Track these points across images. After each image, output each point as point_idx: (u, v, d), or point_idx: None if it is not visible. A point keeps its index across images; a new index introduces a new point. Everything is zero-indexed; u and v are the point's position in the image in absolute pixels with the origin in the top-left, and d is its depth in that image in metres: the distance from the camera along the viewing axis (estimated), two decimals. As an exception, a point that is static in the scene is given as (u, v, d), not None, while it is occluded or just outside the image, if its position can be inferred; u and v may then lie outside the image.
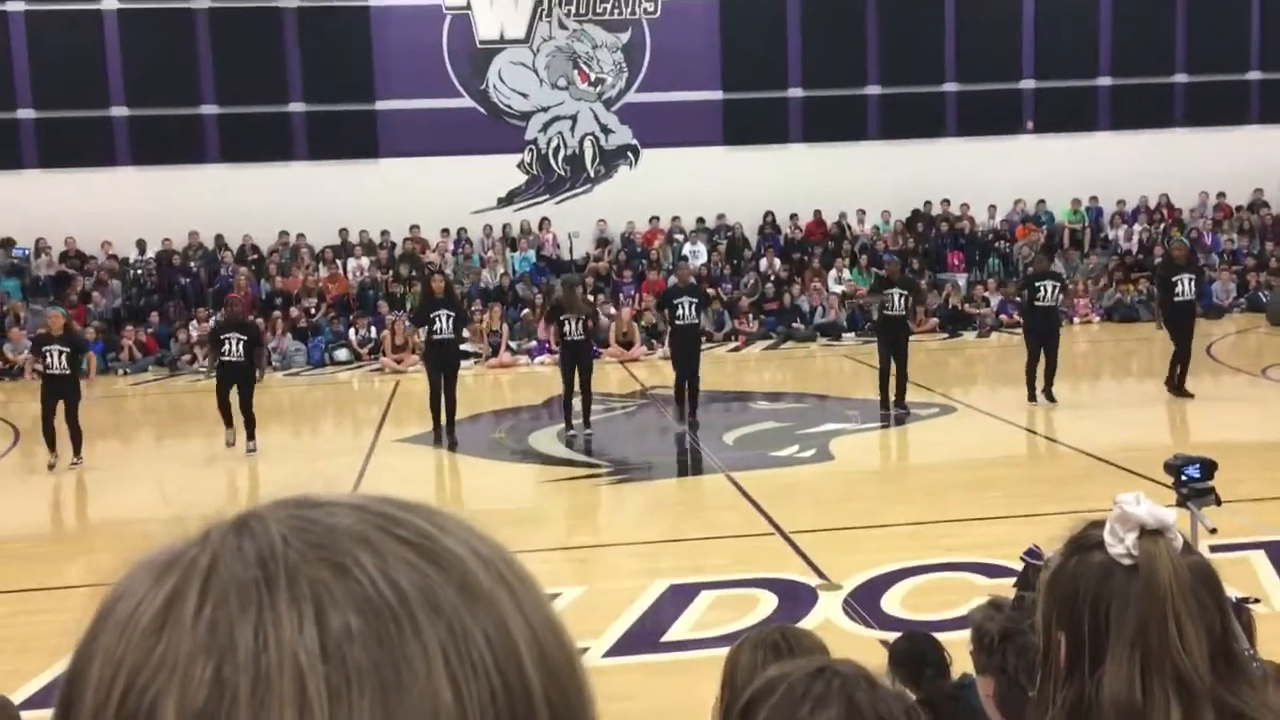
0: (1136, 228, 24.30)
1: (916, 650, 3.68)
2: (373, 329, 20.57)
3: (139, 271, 22.29)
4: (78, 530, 10.99)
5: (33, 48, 22.24)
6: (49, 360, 12.10)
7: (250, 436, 12.70)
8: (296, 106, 23.14)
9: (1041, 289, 13.47)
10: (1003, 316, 21.37)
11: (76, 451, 12.26)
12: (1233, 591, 3.52)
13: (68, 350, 12.17)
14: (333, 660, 0.50)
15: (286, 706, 0.49)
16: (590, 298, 19.50)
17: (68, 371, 12.07)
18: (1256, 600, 4.03)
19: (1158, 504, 1.49)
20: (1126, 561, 1.44)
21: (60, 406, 12.10)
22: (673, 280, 14.46)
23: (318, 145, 22.96)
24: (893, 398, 13.39)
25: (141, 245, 22.50)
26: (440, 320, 12.70)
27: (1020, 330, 15.09)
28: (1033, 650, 2.40)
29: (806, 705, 1.21)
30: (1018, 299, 17.26)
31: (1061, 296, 13.93)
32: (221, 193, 22.47)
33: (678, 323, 13.27)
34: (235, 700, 0.50)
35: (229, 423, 12.65)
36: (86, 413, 12.46)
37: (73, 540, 10.48)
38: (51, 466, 12.16)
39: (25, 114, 22.41)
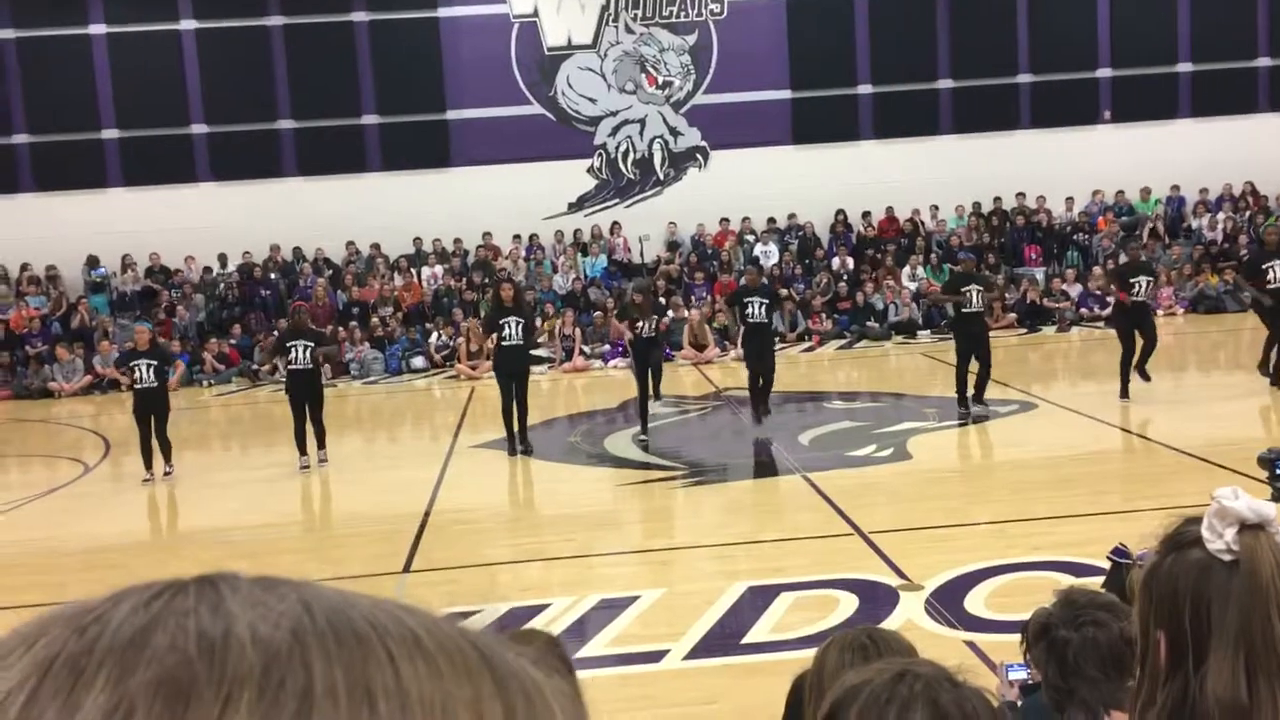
0: (1220, 216, 23.68)
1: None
2: (453, 336, 20.79)
3: (221, 285, 22.78)
4: (169, 539, 11.25)
5: (115, 69, 22.86)
6: (138, 374, 12.38)
7: (321, 446, 12.73)
8: (370, 119, 23.49)
9: (1135, 285, 13.15)
10: (1083, 310, 20.94)
11: (167, 461, 12.59)
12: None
13: (155, 364, 12.46)
14: None
15: None
16: (662, 300, 19.51)
17: (156, 385, 12.34)
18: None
19: (1256, 498, 1.44)
20: (1226, 557, 1.40)
21: (152, 420, 12.39)
22: (743, 281, 14.49)
23: (391, 156, 23.28)
24: (971, 393, 13.18)
25: (223, 259, 23.00)
26: (509, 327, 12.79)
27: (1103, 324, 14.78)
28: (1064, 646, 2.34)
29: (892, 710, 1.19)
30: (1107, 296, 16.85)
31: (1152, 290, 13.55)
32: (298, 205, 22.89)
33: (748, 321, 13.32)
34: None
35: (303, 450, 12.65)
36: (173, 424, 12.76)
37: (164, 549, 10.74)
38: (146, 482, 12.45)
39: (109, 134, 23.03)
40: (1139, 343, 13.19)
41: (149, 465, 12.46)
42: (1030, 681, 3.95)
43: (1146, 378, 13.25)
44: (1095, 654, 2.31)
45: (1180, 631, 1.40)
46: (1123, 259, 14.97)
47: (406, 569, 8.77)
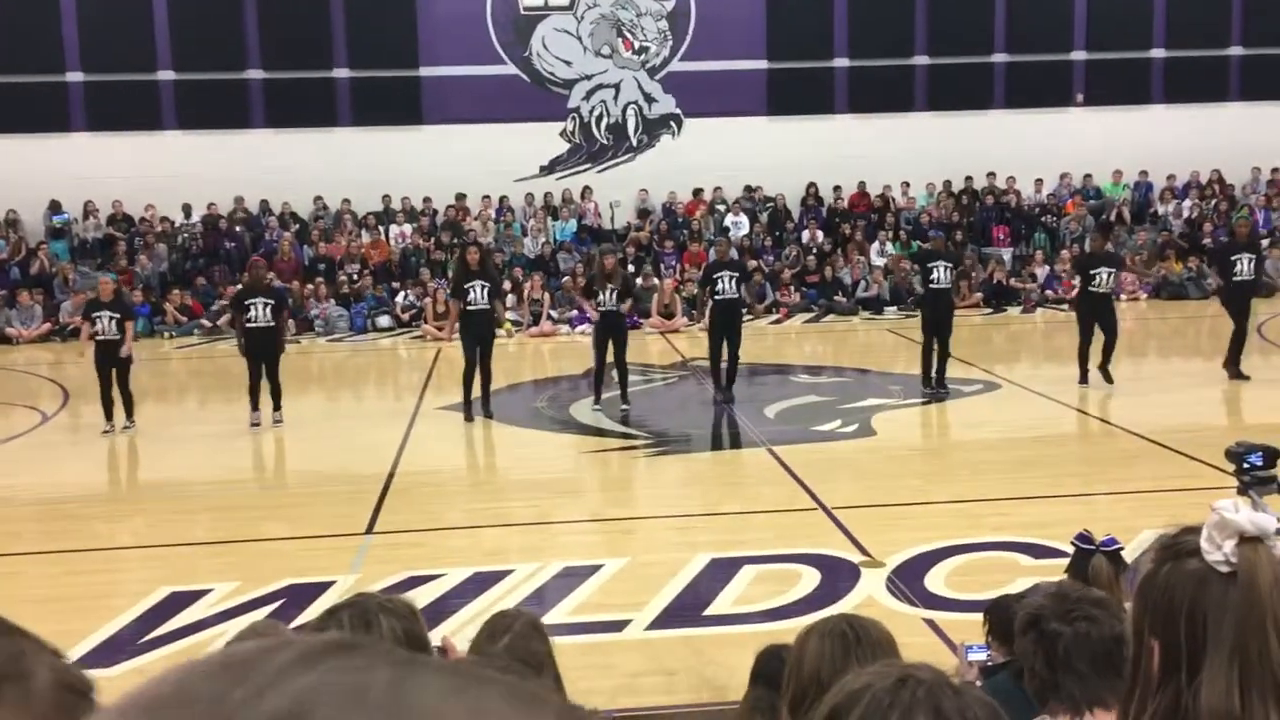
0: (1186, 203, 23.90)
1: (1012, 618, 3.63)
2: (420, 295, 20.60)
3: (185, 236, 22.47)
4: (128, 492, 11.14)
5: (81, 11, 22.37)
6: (99, 326, 12.19)
7: (277, 406, 12.54)
8: (341, 72, 23.17)
9: (1096, 276, 13.15)
10: (1048, 292, 21.11)
11: (129, 415, 12.41)
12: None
13: (118, 316, 12.26)
14: None
15: None
16: (630, 268, 19.44)
17: (118, 336, 12.16)
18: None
19: (1261, 510, 1.44)
20: (1224, 569, 1.40)
21: (114, 373, 12.20)
22: (714, 255, 14.35)
23: (362, 111, 22.99)
24: (934, 375, 13.23)
25: (187, 209, 22.67)
26: (475, 291, 12.69)
27: (1067, 308, 14.83)
28: (1055, 639, 2.35)
29: (894, 716, 1.19)
30: (1072, 280, 16.85)
31: (1115, 281, 13.45)
32: (266, 157, 22.59)
33: (717, 298, 13.18)
34: None
35: (256, 405, 12.45)
36: (133, 376, 12.58)
37: (123, 502, 10.63)
38: (106, 433, 12.27)
39: (74, 77, 22.58)
40: (1099, 334, 13.18)
41: (109, 416, 12.29)
42: (990, 663, 3.99)
43: (1109, 379, 13.18)
44: (1086, 649, 2.33)
45: (1174, 641, 1.41)
46: (1087, 246, 14.97)
47: (369, 530, 8.74)
